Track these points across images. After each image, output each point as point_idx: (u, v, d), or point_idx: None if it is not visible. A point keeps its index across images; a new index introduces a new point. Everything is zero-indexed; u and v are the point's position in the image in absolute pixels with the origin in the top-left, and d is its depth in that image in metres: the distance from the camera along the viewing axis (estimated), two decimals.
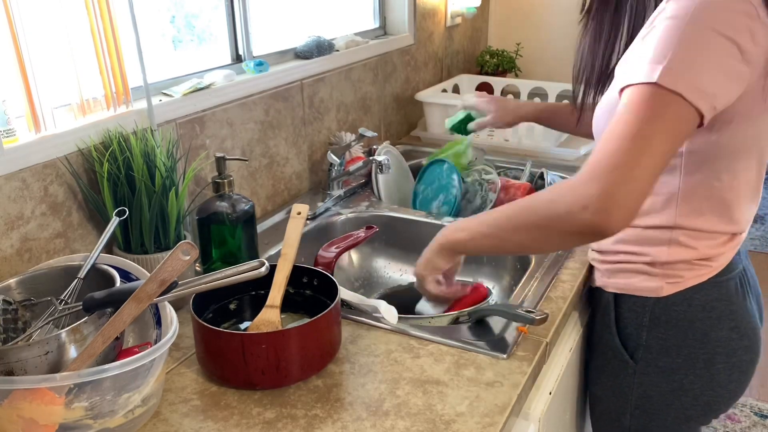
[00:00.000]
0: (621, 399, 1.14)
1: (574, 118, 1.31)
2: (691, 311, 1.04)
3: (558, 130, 1.69)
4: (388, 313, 1.08)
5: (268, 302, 0.99)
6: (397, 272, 1.49)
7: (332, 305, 0.95)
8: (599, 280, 1.15)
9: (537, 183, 1.64)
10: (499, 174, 1.64)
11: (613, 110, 0.87)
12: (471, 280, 1.42)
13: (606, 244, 1.11)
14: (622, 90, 0.86)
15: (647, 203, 0.96)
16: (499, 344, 1.00)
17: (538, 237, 0.91)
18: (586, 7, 1.06)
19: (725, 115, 0.88)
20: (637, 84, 0.83)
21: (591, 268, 1.20)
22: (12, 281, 0.93)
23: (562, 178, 1.67)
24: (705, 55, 0.82)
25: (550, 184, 1.58)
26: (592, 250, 1.18)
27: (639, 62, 0.84)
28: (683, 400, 1.09)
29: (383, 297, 1.23)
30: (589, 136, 1.21)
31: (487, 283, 1.41)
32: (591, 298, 1.21)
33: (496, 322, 1.06)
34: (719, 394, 1.09)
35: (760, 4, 0.83)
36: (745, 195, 1.01)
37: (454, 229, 1.02)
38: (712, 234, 1.02)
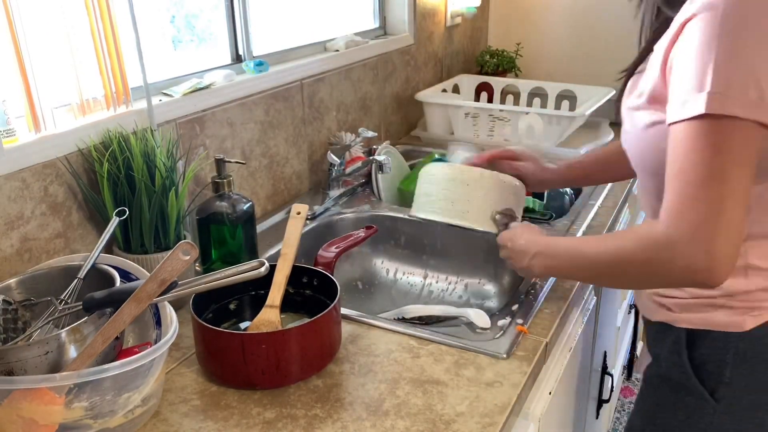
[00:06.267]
0: None
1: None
2: None
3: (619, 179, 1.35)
4: (479, 318, 1.08)
5: (267, 302, 0.99)
6: (398, 272, 1.49)
7: (332, 305, 0.95)
8: (664, 315, 1.01)
9: None
10: None
11: (655, 134, 0.83)
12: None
13: None
14: (671, 124, 0.79)
15: None
16: (499, 344, 1.00)
17: (635, 287, 1.07)
18: None
19: None
20: (687, 120, 0.76)
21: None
22: (12, 281, 0.93)
23: None
24: (751, 52, 0.73)
25: None
26: None
27: (681, 89, 0.77)
28: None
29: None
30: None
31: (487, 283, 1.41)
32: (652, 333, 1.06)
33: (496, 322, 1.06)
34: None
35: None
36: None
37: (547, 266, 1.00)
38: None
